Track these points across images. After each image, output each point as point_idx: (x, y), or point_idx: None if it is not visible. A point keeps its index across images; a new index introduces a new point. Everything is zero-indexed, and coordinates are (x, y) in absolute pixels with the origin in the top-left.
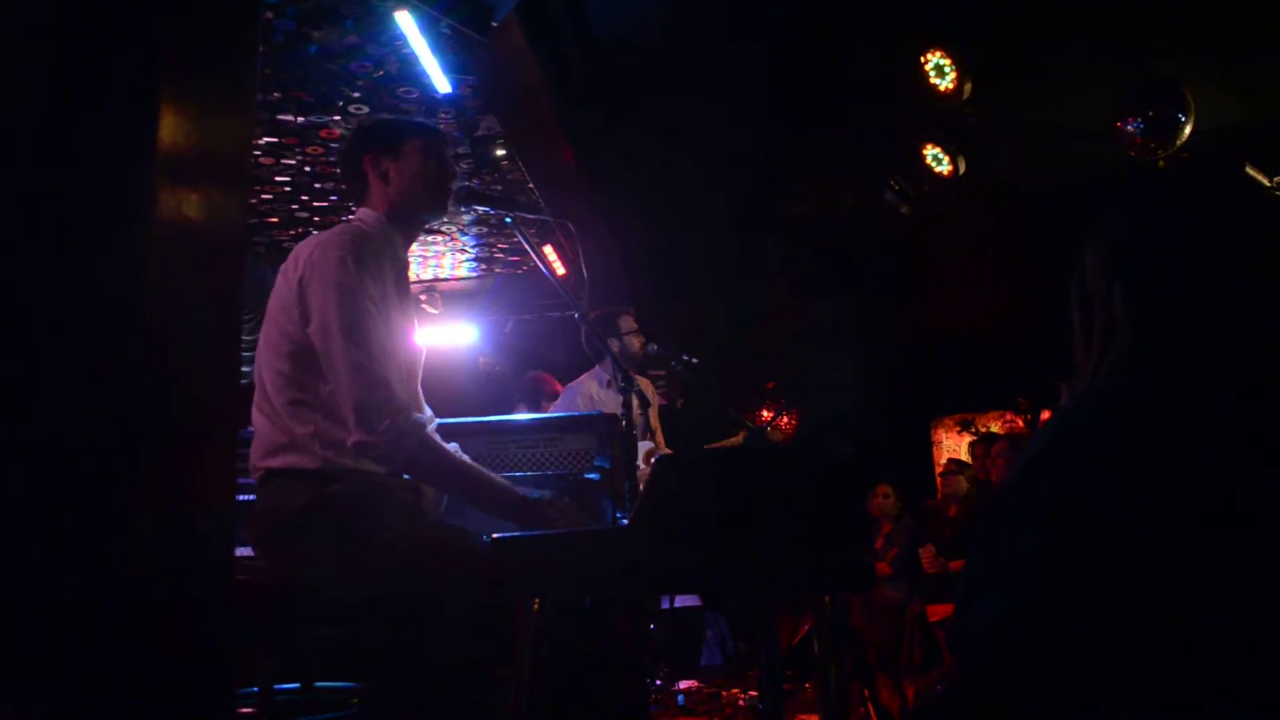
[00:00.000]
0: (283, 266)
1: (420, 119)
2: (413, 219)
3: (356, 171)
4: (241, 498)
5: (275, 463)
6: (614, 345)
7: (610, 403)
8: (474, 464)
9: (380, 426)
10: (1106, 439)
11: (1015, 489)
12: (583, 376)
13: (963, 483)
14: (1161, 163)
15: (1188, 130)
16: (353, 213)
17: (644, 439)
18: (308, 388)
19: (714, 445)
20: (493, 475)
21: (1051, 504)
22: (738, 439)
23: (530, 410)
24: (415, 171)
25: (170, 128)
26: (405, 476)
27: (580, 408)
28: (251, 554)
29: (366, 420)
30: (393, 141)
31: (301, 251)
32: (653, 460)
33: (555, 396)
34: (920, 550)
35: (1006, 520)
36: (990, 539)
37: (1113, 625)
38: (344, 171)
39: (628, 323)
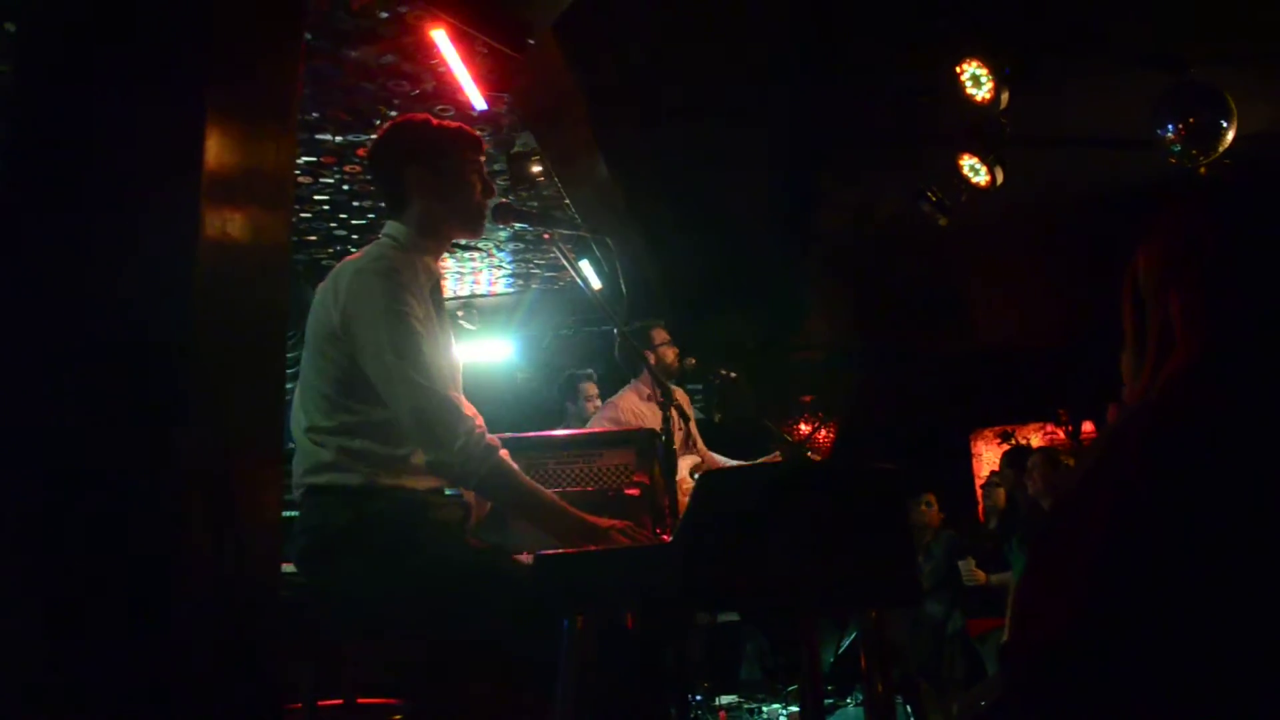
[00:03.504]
0: (320, 292)
1: (457, 126)
2: (446, 235)
3: (395, 181)
4: (284, 514)
5: (318, 480)
6: (649, 358)
7: (652, 417)
8: (541, 488)
9: (455, 446)
10: (1163, 452)
11: (1070, 505)
12: (623, 391)
13: (1002, 495)
14: (1203, 170)
15: (1230, 136)
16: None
17: (686, 453)
18: (356, 410)
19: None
20: (559, 500)
21: (1108, 519)
22: (776, 458)
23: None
24: (457, 191)
25: (216, 148)
26: (449, 493)
27: (623, 422)
28: (294, 570)
29: (437, 440)
30: (437, 157)
31: (340, 280)
32: (695, 475)
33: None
34: (960, 564)
35: (1062, 537)
36: (1046, 555)
37: (1172, 640)
38: (380, 179)
39: (660, 335)
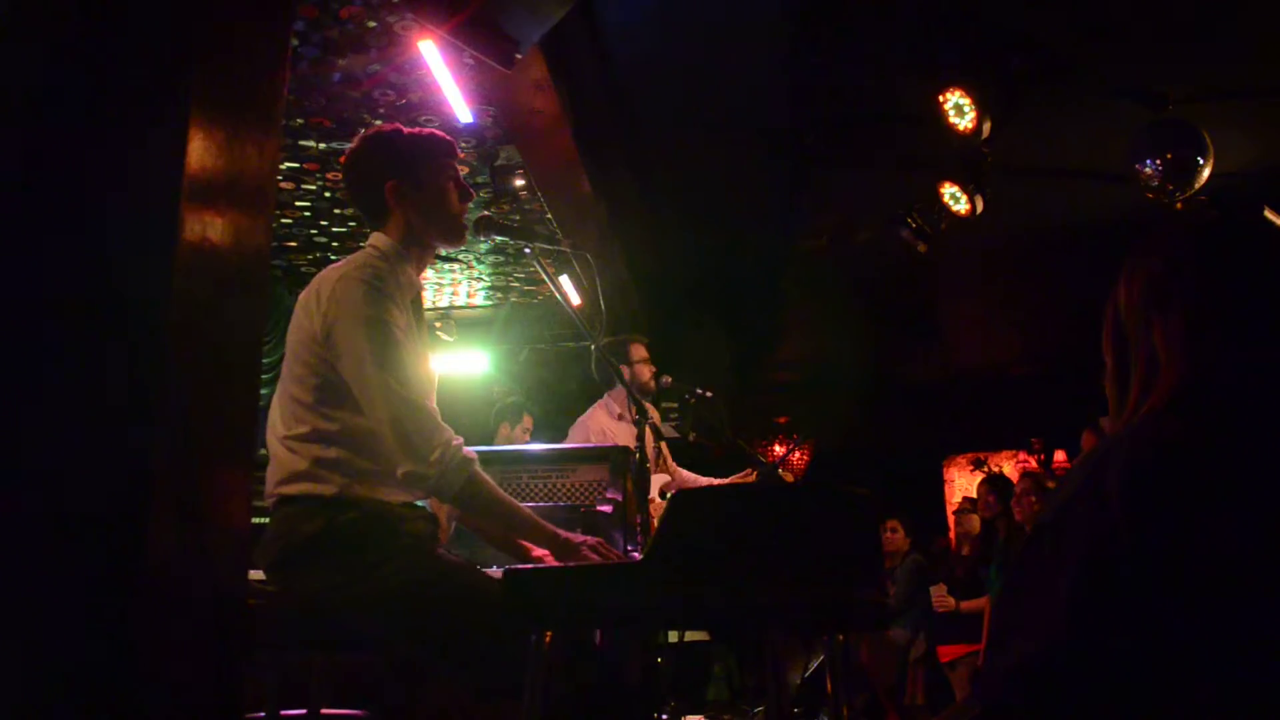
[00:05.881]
0: (302, 299)
1: (429, 132)
2: (430, 245)
3: (376, 196)
4: (254, 521)
5: (290, 489)
6: (625, 372)
7: (621, 435)
8: (516, 502)
9: (431, 457)
10: (1144, 481)
11: (1049, 530)
12: (591, 409)
13: (976, 522)
14: (1180, 205)
15: (1206, 173)
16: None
17: (657, 471)
18: (332, 418)
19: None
20: (533, 514)
21: (1087, 545)
22: (750, 476)
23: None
24: (438, 200)
25: (198, 152)
26: (420, 504)
27: (592, 442)
28: (262, 578)
29: (415, 451)
30: (415, 168)
31: (323, 287)
32: (668, 494)
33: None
34: (931, 589)
35: (1040, 561)
36: (1024, 579)
37: (1148, 669)
38: (358, 195)
39: (639, 351)
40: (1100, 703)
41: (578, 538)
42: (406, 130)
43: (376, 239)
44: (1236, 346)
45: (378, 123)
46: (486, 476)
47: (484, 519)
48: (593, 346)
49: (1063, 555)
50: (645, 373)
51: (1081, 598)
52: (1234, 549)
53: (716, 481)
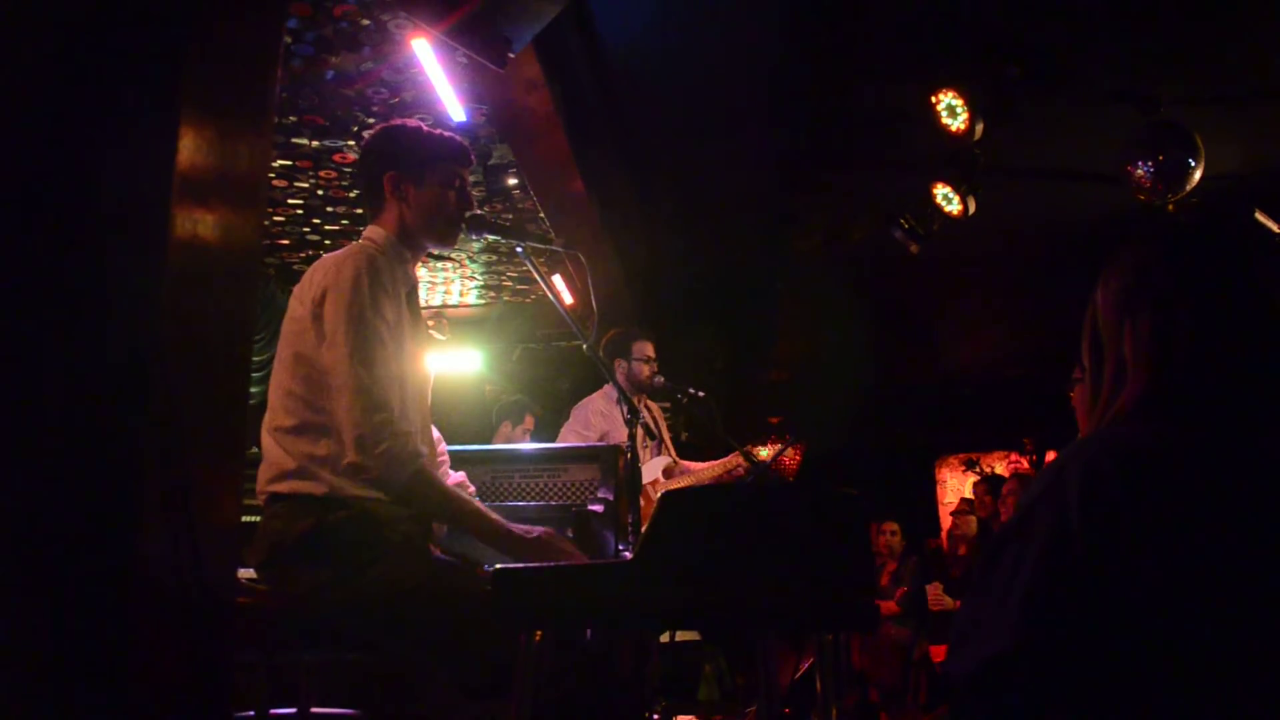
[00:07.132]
0: (296, 288)
1: (447, 136)
2: (420, 244)
3: (375, 185)
4: (245, 519)
5: (282, 487)
6: (621, 366)
7: (619, 418)
8: (468, 498)
9: (376, 450)
10: (1101, 486)
11: (1013, 531)
12: (593, 395)
13: (973, 523)
14: (1171, 207)
15: (1198, 175)
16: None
17: (660, 454)
18: (323, 410)
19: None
20: (487, 510)
21: (1047, 546)
22: (736, 462)
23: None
24: (434, 202)
25: (189, 149)
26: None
27: (591, 423)
28: (253, 576)
29: (362, 443)
30: (418, 166)
31: (315, 273)
32: (664, 485)
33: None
34: (927, 588)
35: (1003, 561)
36: (987, 580)
37: (1105, 669)
38: (362, 181)
39: (640, 349)
40: (1055, 704)
41: (534, 531)
42: (427, 129)
43: (372, 232)
44: (1201, 354)
45: (371, 120)
46: (434, 473)
47: (430, 517)
48: (585, 347)
49: (1022, 558)
50: (643, 371)
51: (1037, 600)
52: (1188, 554)
53: (711, 464)
